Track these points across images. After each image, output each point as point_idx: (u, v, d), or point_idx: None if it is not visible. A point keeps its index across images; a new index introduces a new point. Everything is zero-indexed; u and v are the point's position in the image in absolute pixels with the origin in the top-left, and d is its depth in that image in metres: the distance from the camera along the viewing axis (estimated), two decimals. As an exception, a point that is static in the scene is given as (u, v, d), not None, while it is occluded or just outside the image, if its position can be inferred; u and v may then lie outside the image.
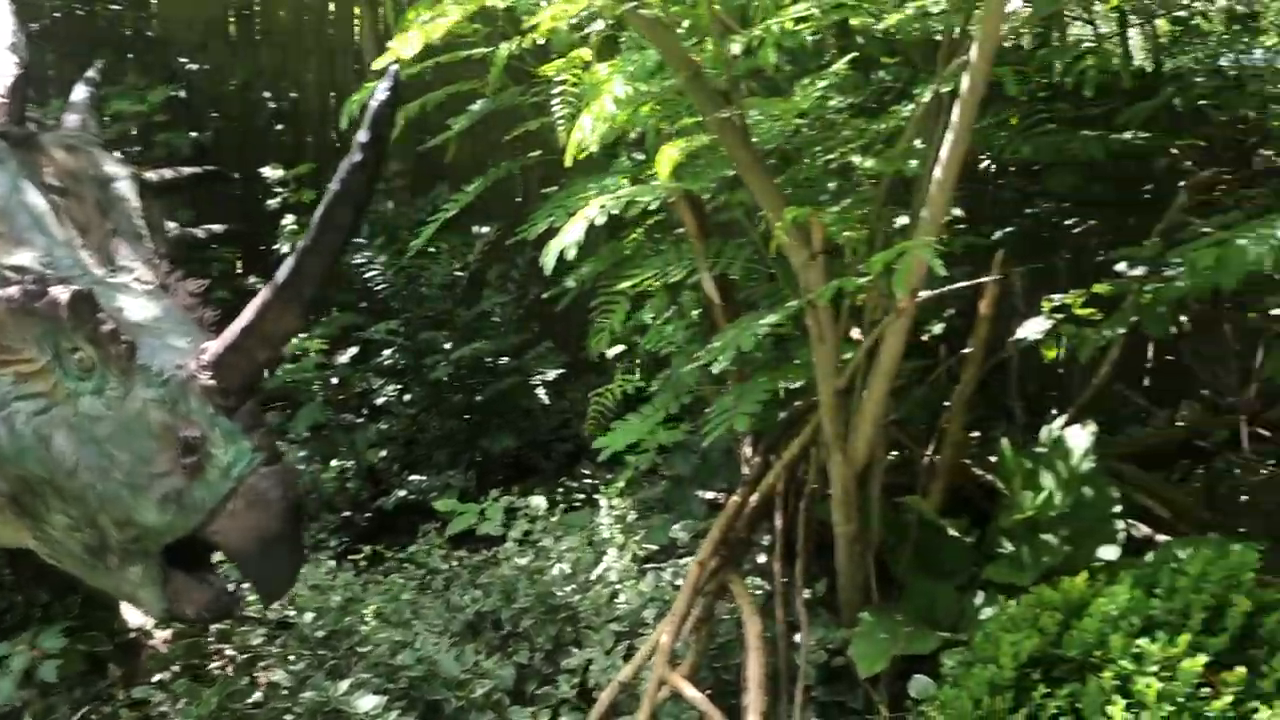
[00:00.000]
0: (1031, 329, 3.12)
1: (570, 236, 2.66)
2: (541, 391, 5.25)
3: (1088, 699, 2.42)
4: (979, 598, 3.16)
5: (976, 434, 4.11)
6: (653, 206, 2.94)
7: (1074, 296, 3.05)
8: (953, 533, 3.23)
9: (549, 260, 2.65)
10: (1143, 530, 3.51)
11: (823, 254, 2.70)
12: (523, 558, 3.77)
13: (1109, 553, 3.26)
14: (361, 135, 2.38)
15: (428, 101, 3.41)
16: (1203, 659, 2.34)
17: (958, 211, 3.40)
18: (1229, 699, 2.32)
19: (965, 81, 2.44)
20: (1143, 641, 2.44)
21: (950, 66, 2.66)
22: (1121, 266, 2.95)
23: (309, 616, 3.48)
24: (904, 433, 3.43)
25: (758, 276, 3.29)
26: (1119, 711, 2.34)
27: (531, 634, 3.61)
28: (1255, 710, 2.30)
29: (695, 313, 3.54)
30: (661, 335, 3.22)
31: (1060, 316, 3.14)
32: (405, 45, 2.35)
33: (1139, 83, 4.79)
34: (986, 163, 5.01)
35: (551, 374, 5.15)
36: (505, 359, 5.14)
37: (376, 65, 2.43)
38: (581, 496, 4.72)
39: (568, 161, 2.67)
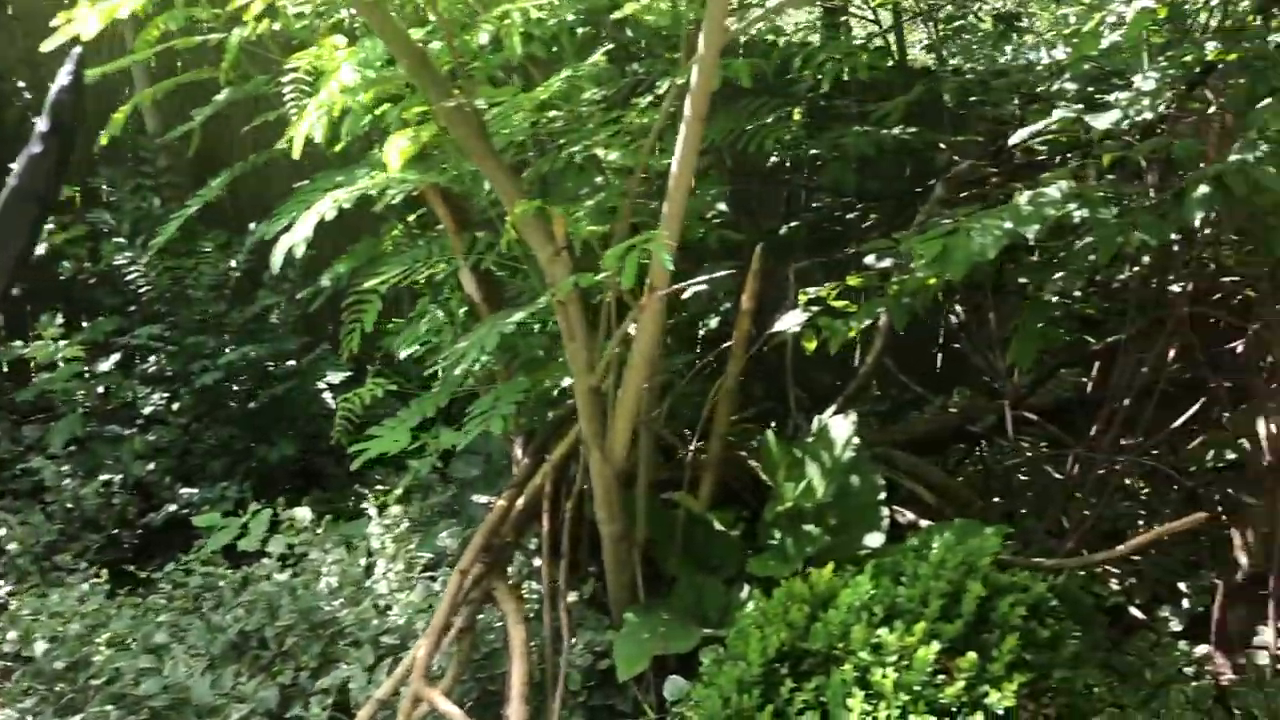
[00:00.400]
0: (789, 321, 3.11)
1: (299, 233, 2.50)
2: (327, 396, 5.01)
3: (831, 692, 2.41)
4: (745, 592, 3.14)
5: (769, 427, 4.12)
6: (396, 200, 2.79)
7: (828, 289, 3.06)
8: (719, 527, 3.20)
9: (276, 259, 2.49)
10: (909, 516, 3.56)
11: (567, 250, 2.61)
12: (284, 573, 3.57)
13: (874, 540, 3.29)
14: (41, 124, 2.16)
15: (158, 90, 3.17)
16: (936, 647, 2.36)
17: (721, 206, 3.35)
18: (961, 684, 2.34)
19: (694, 74, 2.38)
20: (882, 632, 2.44)
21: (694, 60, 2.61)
22: (870, 259, 2.96)
23: (41, 647, 3.20)
24: (669, 428, 3.38)
25: (522, 273, 3.18)
26: (858, 703, 2.33)
27: (296, 652, 3.42)
28: (986, 695, 2.33)
29: (463, 310, 3.41)
30: (415, 335, 3.07)
31: (817, 309, 3.14)
32: (81, 24, 2.14)
33: (914, 80, 4.92)
34: (776, 159, 5.07)
35: (337, 377, 4.92)
36: (288, 362, 4.88)
37: (45, 46, 2.21)
38: (381, 505, 4.53)
39: (295, 153, 2.50)
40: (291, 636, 3.44)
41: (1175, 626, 3.63)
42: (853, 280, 3.08)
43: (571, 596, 3.16)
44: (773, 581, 3.03)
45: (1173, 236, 3.71)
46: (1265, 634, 3.38)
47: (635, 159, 2.64)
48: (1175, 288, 3.65)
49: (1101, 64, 3.41)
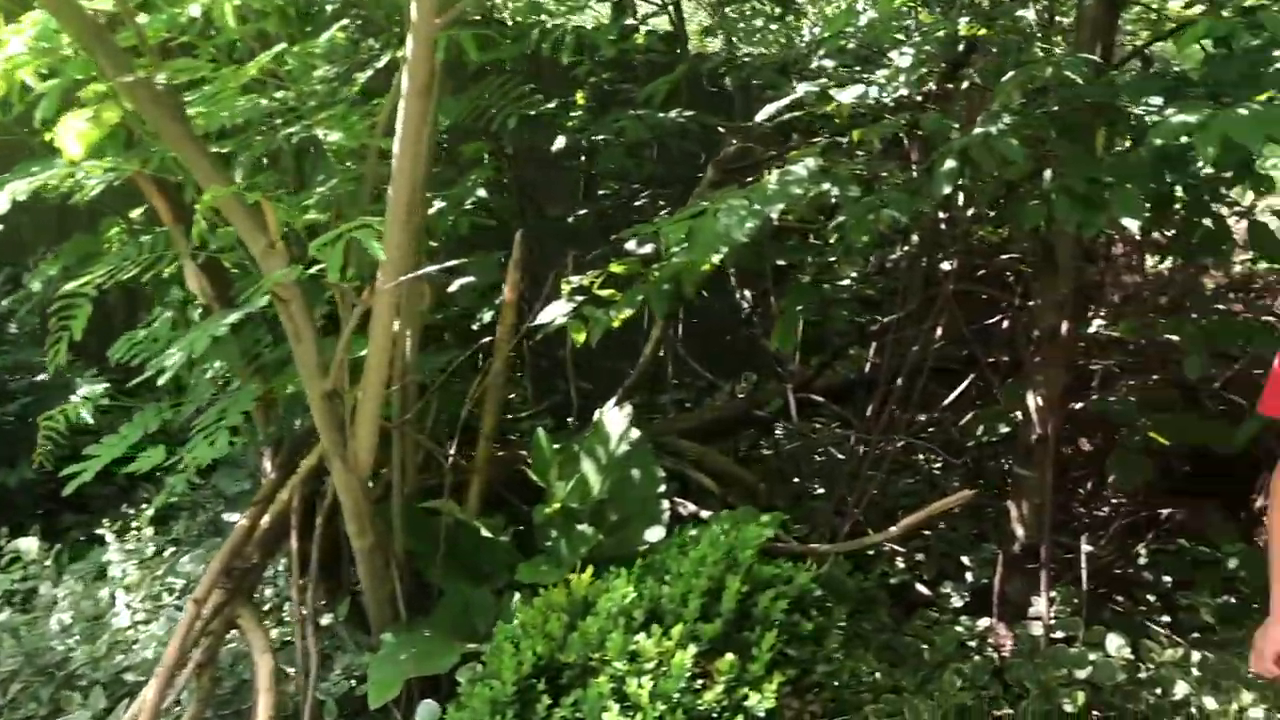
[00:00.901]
0: (552, 313, 2.92)
1: (-35, 230, 2.16)
2: (85, 412, 4.55)
3: (588, 706, 2.24)
4: (516, 600, 2.94)
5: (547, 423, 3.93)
6: (95, 191, 2.47)
7: (590, 277, 2.88)
8: (486, 533, 2.99)
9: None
10: (689, 508, 3.44)
11: (285, 241, 2.35)
12: (4, 611, 3.18)
13: (654, 534, 3.15)
14: None
15: None
16: (694, 650, 2.22)
17: (481, 193, 3.14)
18: (720, 688, 2.20)
19: (409, 45, 2.16)
20: (640, 637, 2.29)
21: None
22: (631, 245, 2.80)
23: None
24: (436, 431, 3.15)
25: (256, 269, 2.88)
26: (614, 717, 2.17)
27: (23, 700, 3.04)
28: (746, 697, 2.20)
29: (199, 312, 3.08)
30: (132, 340, 2.74)
31: (582, 299, 2.97)
32: None
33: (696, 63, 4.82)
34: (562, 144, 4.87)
35: (91, 389, 4.47)
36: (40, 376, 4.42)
37: None
38: (136, 527, 4.13)
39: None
40: (17, 682, 3.07)
41: (957, 602, 3.63)
42: (616, 267, 2.92)
43: (327, 619, 2.90)
44: (541, 589, 2.85)
45: (941, 215, 3.73)
46: (1039, 604, 3.40)
47: (356, 140, 2.39)
48: (945, 265, 3.63)
49: (868, 42, 3.35)
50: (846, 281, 4.43)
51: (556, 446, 3.40)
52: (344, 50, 2.82)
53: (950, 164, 2.49)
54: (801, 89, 2.65)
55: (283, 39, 2.66)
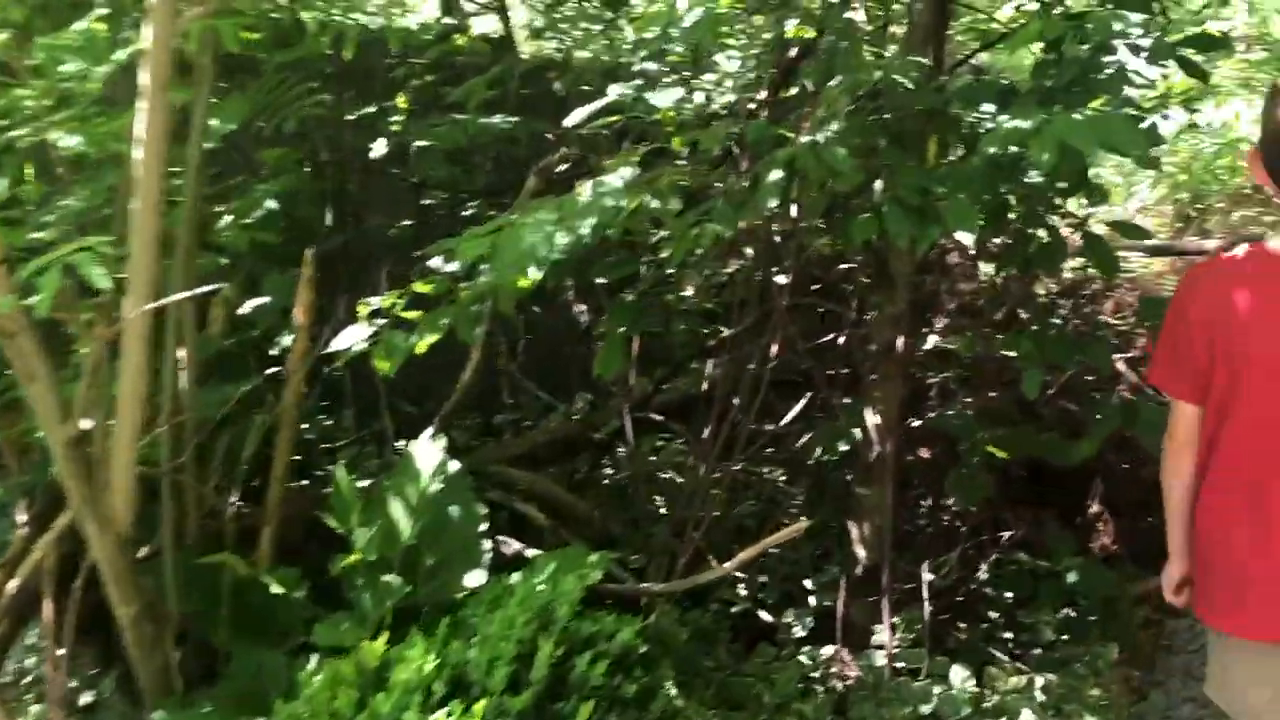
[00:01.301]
0: (349, 338, 2.59)
1: None
2: None
3: (381, 798, 1.93)
4: (313, 664, 2.60)
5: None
6: None
7: (391, 298, 2.57)
8: (277, 588, 2.64)
9: None
10: (514, 546, 3.15)
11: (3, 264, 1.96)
12: None
13: (475, 579, 2.85)
14: None
15: None
16: (498, 728, 1.94)
17: (271, 204, 2.78)
18: (530, 770, 1.93)
19: (148, 33, 1.81)
20: (440, 716, 1.99)
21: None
22: (436, 262, 2.50)
23: None
24: (221, 474, 2.78)
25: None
26: (407, 812, 1.86)
27: None
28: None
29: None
30: None
31: (384, 321, 2.65)
32: None
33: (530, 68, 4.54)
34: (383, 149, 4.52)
35: None
36: None
37: None
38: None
39: None
40: None
41: (800, 631, 3.44)
42: (422, 286, 2.61)
43: (88, 697, 2.50)
44: (341, 651, 2.52)
45: (777, 226, 3.55)
46: (881, 632, 3.24)
47: (98, 145, 2.02)
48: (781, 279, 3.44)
49: (695, 45, 3.12)
50: (689, 292, 4.23)
51: (369, 482, 3.08)
52: (104, 45, 2.43)
53: (776, 175, 2.28)
54: (614, 92, 2.40)
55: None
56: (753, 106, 3.37)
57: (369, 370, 3.02)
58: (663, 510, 4.01)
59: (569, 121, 2.63)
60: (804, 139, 2.26)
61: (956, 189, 2.37)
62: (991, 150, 2.18)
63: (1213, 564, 1.91)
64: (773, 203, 2.24)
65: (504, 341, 4.52)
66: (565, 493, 3.59)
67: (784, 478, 4.14)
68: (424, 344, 2.48)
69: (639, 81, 2.49)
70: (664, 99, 2.33)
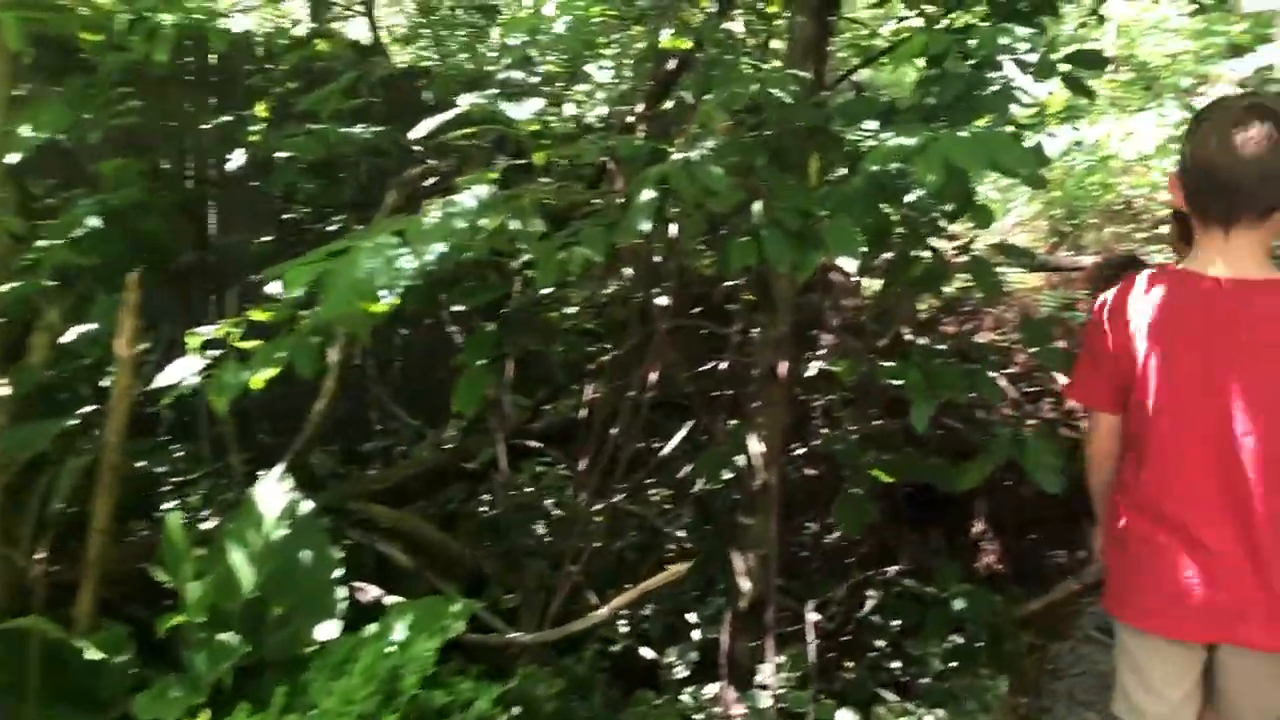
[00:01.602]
0: (177, 372, 2.30)
1: None
2: None
3: None
4: (139, 737, 2.30)
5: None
6: None
7: (225, 327, 2.29)
8: (93, 655, 2.32)
9: None
10: (371, 593, 2.89)
11: None
12: None
13: (327, 631, 2.58)
14: None
15: None
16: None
17: (94, 221, 2.47)
18: None
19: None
20: (266, 808, 1.73)
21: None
22: (274, 287, 2.23)
23: None
24: (17, 525, 2.45)
25: None
26: None
27: None
28: None
29: None
30: None
31: (220, 352, 2.36)
32: None
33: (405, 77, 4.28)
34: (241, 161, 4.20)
35: None
36: None
37: None
38: None
39: None
40: None
41: (683, 671, 3.25)
42: (260, 314, 2.34)
43: None
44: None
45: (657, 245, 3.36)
46: (765, 671, 3.07)
47: None
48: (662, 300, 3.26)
49: (567, 55, 2.92)
50: (571, 311, 4.03)
51: (210, 526, 2.79)
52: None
53: (648, 194, 2.08)
54: (466, 101, 2.18)
55: None
56: (631, 120, 3.19)
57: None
58: (543, 544, 3.79)
59: (415, 133, 2.39)
60: (677, 156, 2.07)
61: (838, 210, 2.20)
62: (874, 169, 2.02)
63: (1139, 566, 1.93)
64: (645, 225, 2.04)
65: (374, 364, 4.24)
66: (433, 529, 3.34)
67: (670, 506, 3.96)
68: (259, 380, 2.21)
69: (494, 91, 2.26)
70: (521, 110, 2.12)
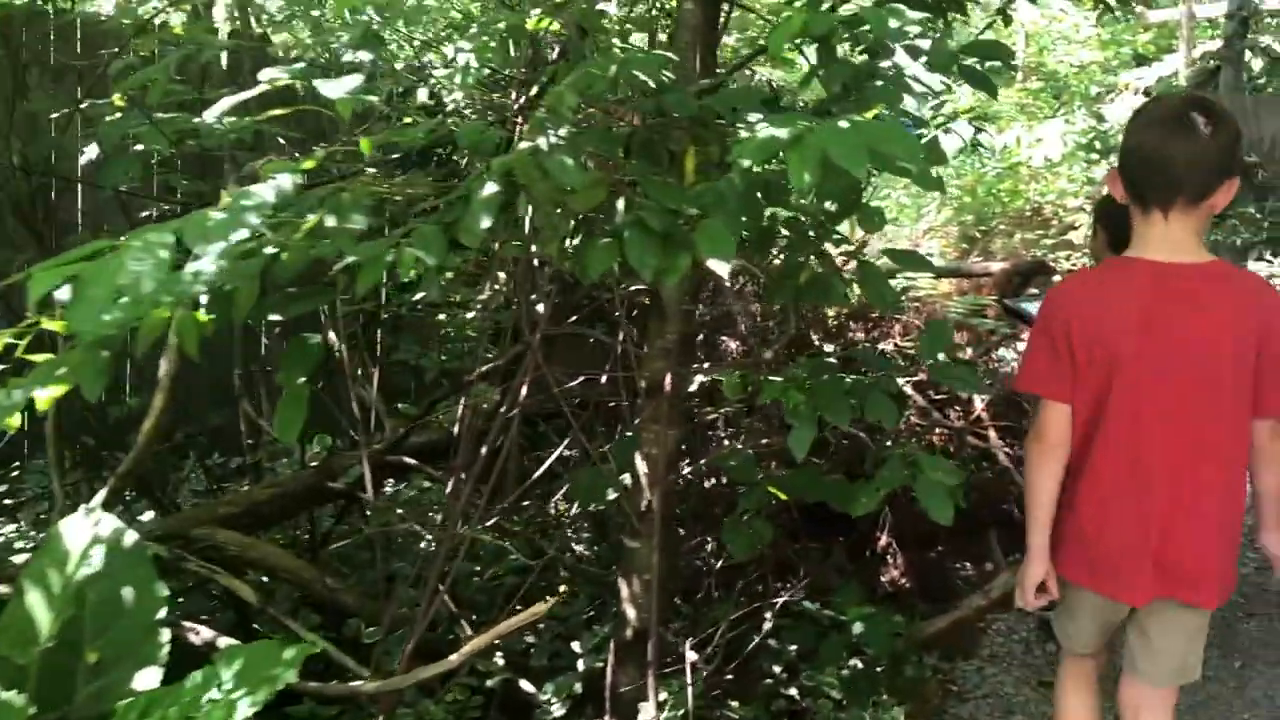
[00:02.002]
0: (-47, 390, 1.94)
1: None
2: None
3: None
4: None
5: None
6: None
7: (16, 331, 1.94)
8: None
9: None
10: (205, 634, 2.55)
11: None
12: None
13: (148, 679, 2.24)
14: None
15: None
16: None
17: None
18: None
19: None
20: None
21: None
22: (63, 293, 1.88)
23: None
24: None
25: None
26: None
27: None
28: None
29: None
30: None
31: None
32: None
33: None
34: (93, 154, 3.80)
35: None
36: None
37: None
38: None
39: None
40: None
41: (558, 710, 2.96)
42: (54, 324, 1.99)
43: None
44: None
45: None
46: (648, 709, 2.80)
47: None
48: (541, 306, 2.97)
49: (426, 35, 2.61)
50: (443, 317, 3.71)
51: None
52: None
53: (490, 188, 1.79)
54: (266, 77, 1.87)
55: None
56: (512, 107, 2.90)
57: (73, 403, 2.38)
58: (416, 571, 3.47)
59: (210, 115, 2.07)
60: (523, 146, 1.78)
61: (712, 210, 1.93)
62: (746, 164, 1.75)
63: (1082, 533, 2.09)
64: (485, 223, 1.75)
65: (239, 372, 3.88)
66: (289, 558, 3.00)
67: (569, 525, 3.67)
68: (46, 401, 1.86)
69: (299, 66, 1.95)
70: (336, 89, 1.81)
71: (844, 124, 1.72)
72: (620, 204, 1.94)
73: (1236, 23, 7.79)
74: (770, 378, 2.37)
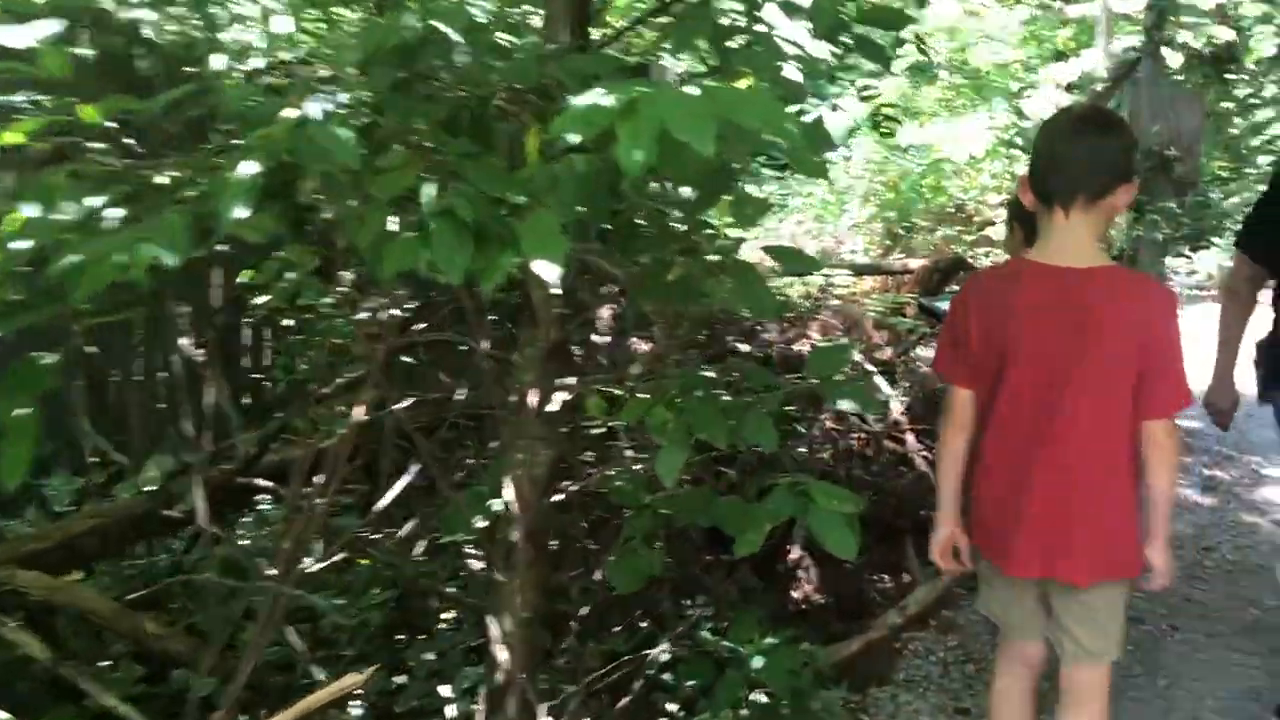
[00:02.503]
0: None
1: None
2: None
3: None
4: None
5: None
6: None
7: None
8: None
9: None
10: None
11: None
12: None
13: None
14: None
15: None
16: None
17: None
18: None
19: None
20: None
21: None
22: None
23: None
24: None
25: None
26: None
27: None
28: None
29: None
30: None
31: None
32: None
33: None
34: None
35: None
36: None
37: None
38: None
39: None
40: None
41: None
42: None
43: None
44: None
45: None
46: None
47: None
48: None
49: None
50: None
51: None
52: None
53: (248, 168, 1.38)
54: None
55: None
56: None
57: None
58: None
59: None
60: (289, 113, 1.37)
61: (544, 200, 1.55)
62: (575, 139, 1.37)
63: (986, 514, 2.24)
64: (240, 212, 1.34)
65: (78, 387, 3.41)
66: (105, 600, 2.56)
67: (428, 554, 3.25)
68: None
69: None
70: (18, 36, 1.37)
71: (693, 91, 1.34)
72: (430, 190, 1.54)
73: (1155, 14, 7.59)
74: (639, 394, 1.99)
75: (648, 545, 2.72)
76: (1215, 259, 9.10)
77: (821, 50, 1.88)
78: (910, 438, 5.04)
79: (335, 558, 2.60)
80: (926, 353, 6.03)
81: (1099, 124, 2.11)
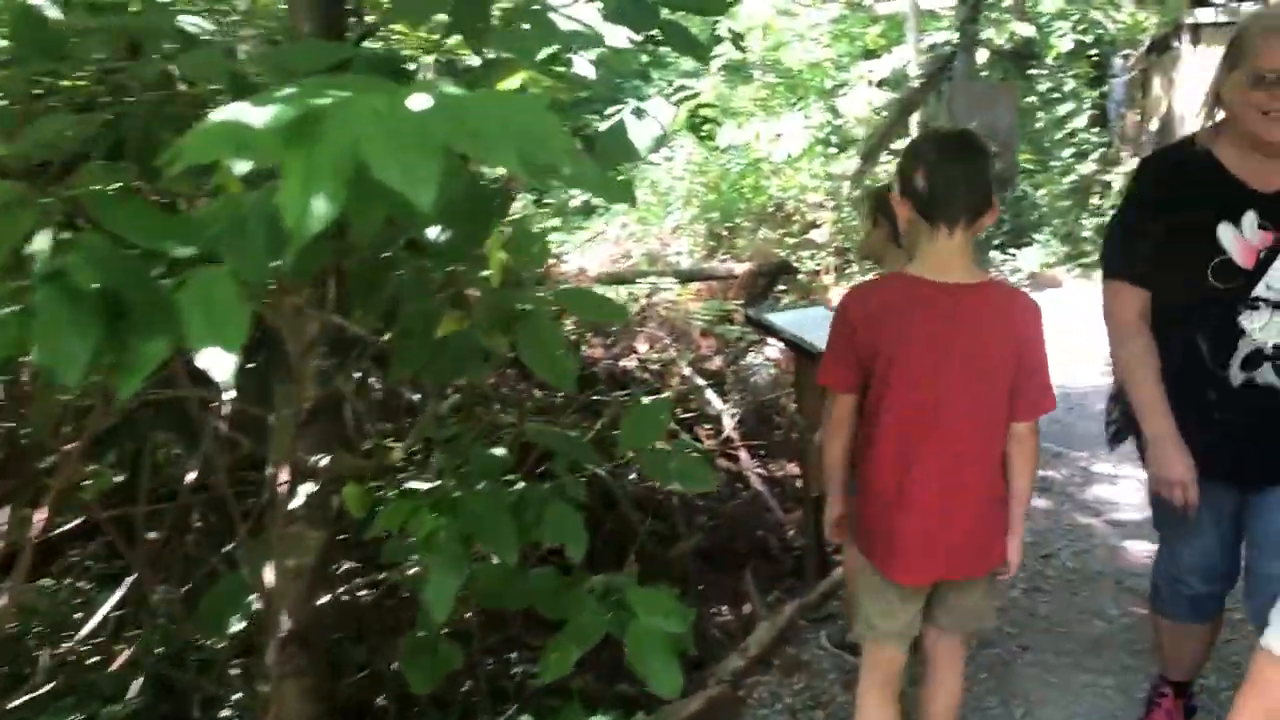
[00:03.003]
0: None
1: None
2: None
3: None
4: None
5: None
6: None
7: None
8: None
9: None
10: None
11: None
12: None
13: None
14: None
15: None
16: None
17: None
18: None
19: None
20: None
21: None
22: None
23: None
24: None
25: None
26: None
27: None
28: None
29: None
30: None
31: None
32: None
33: None
34: None
35: None
36: None
37: None
38: None
39: None
40: None
41: None
42: None
43: None
44: None
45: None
46: None
47: None
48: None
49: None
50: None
51: None
52: None
53: None
54: None
55: None
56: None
57: None
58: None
59: None
60: None
61: (224, 252, 1.05)
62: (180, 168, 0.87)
63: (876, 526, 2.27)
64: None
65: None
66: None
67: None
68: None
69: None
70: None
71: (420, 99, 0.86)
72: (43, 243, 1.01)
73: (968, 7, 7.55)
74: (409, 484, 1.50)
75: (444, 638, 2.24)
76: (1037, 256, 9.16)
77: (619, 37, 1.44)
78: (744, 454, 4.72)
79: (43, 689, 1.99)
80: (756, 360, 5.75)
81: (976, 148, 2.22)
